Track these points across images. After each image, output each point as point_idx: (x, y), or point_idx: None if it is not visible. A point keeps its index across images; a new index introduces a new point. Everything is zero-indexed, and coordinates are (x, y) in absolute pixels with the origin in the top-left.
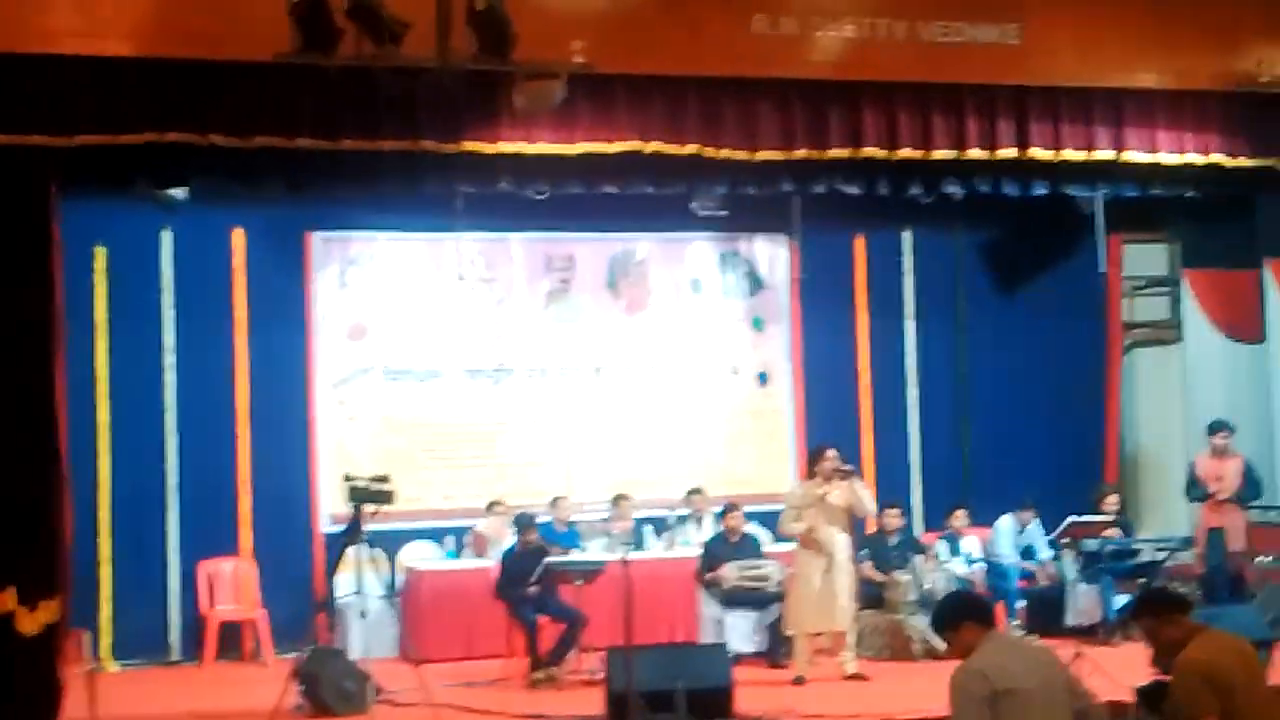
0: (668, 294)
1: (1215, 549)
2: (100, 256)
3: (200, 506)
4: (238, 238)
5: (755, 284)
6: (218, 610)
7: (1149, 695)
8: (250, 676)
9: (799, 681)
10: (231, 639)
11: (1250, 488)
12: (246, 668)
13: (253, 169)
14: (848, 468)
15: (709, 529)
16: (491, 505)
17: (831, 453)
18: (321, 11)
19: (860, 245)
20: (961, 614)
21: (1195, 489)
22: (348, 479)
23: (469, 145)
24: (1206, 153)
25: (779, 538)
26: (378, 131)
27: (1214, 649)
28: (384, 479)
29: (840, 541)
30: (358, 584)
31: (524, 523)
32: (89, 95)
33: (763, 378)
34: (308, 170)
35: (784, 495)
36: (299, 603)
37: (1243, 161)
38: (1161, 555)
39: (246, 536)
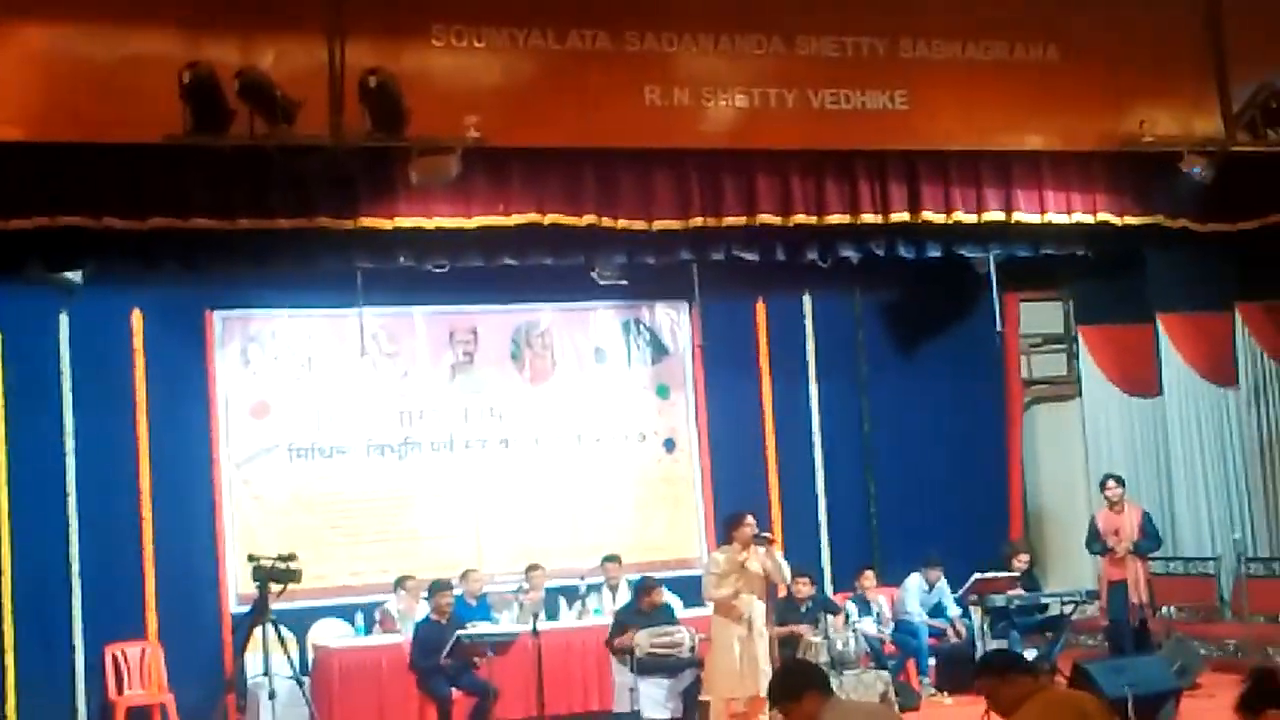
0: (572, 363)
1: (1117, 602)
2: None
3: (105, 590)
4: (136, 319)
5: (659, 351)
6: (126, 695)
7: None
8: None
9: None
10: None
11: (1149, 540)
12: None
13: (148, 250)
14: (765, 535)
15: (624, 597)
16: (400, 581)
17: (750, 519)
18: (213, 93)
19: (761, 310)
20: (803, 683)
21: (1096, 543)
22: (252, 558)
23: (366, 221)
24: (1094, 212)
25: (690, 603)
26: (273, 210)
27: (1047, 710)
28: (290, 557)
29: (758, 608)
30: (265, 664)
31: (438, 588)
32: None
33: (669, 444)
34: (204, 250)
35: (696, 561)
36: (209, 685)
37: (1130, 220)
38: (1068, 608)
39: (153, 619)
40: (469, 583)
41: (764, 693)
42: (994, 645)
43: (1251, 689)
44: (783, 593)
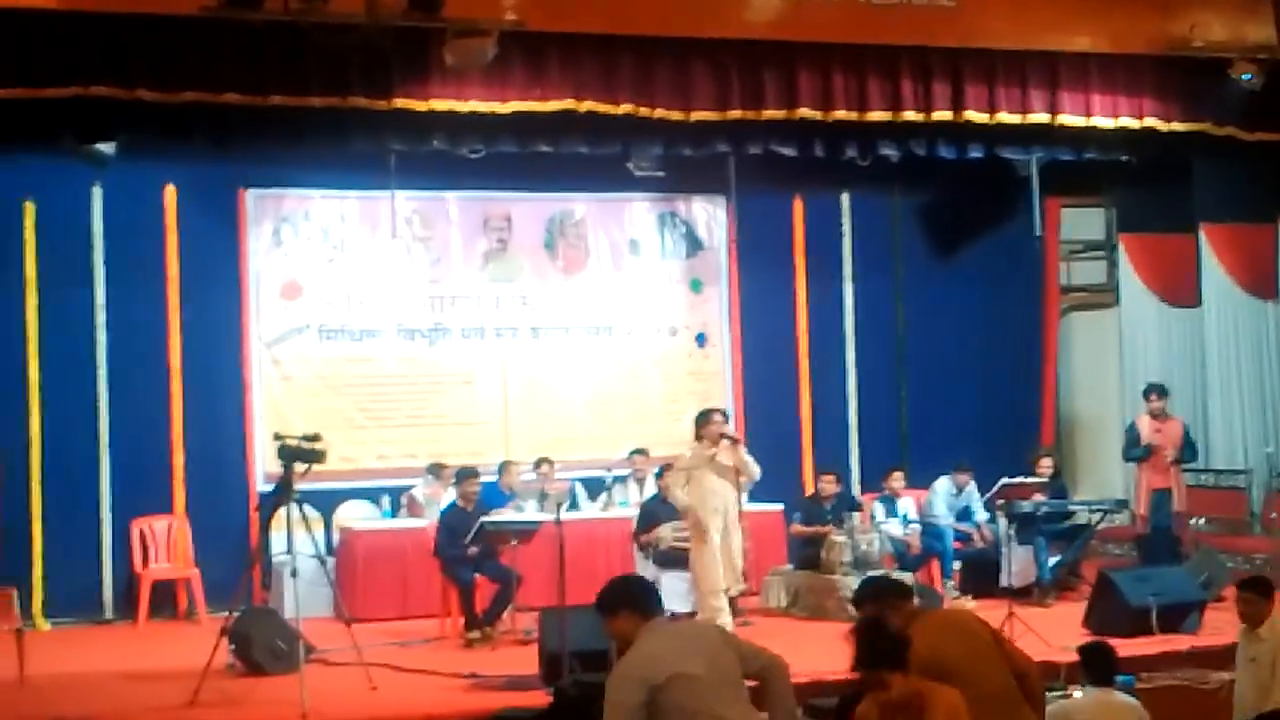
0: (605, 254)
1: (1160, 510)
2: (30, 212)
3: (133, 465)
4: (170, 194)
5: (694, 245)
6: (151, 569)
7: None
8: (184, 635)
9: None
10: (165, 598)
11: (1188, 450)
12: (180, 626)
13: (180, 124)
14: (733, 435)
15: (650, 490)
16: (434, 467)
17: (717, 416)
18: None
19: (798, 207)
20: (619, 602)
21: (1135, 449)
22: (278, 437)
23: (400, 102)
24: (1140, 117)
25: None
26: (306, 88)
27: (931, 635)
28: (315, 438)
29: (732, 499)
30: (289, 543)
31: (465, 475)
32: (12, 48)
33: (701, 339)
34: (236, 126)
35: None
36: (234, 562)
37: (1176, 126)
38: (1095, 517)
39: (180, 495)
40: (507, 475)
41: (735, 585)
42: (1019, 552)
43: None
44: (751, 479)
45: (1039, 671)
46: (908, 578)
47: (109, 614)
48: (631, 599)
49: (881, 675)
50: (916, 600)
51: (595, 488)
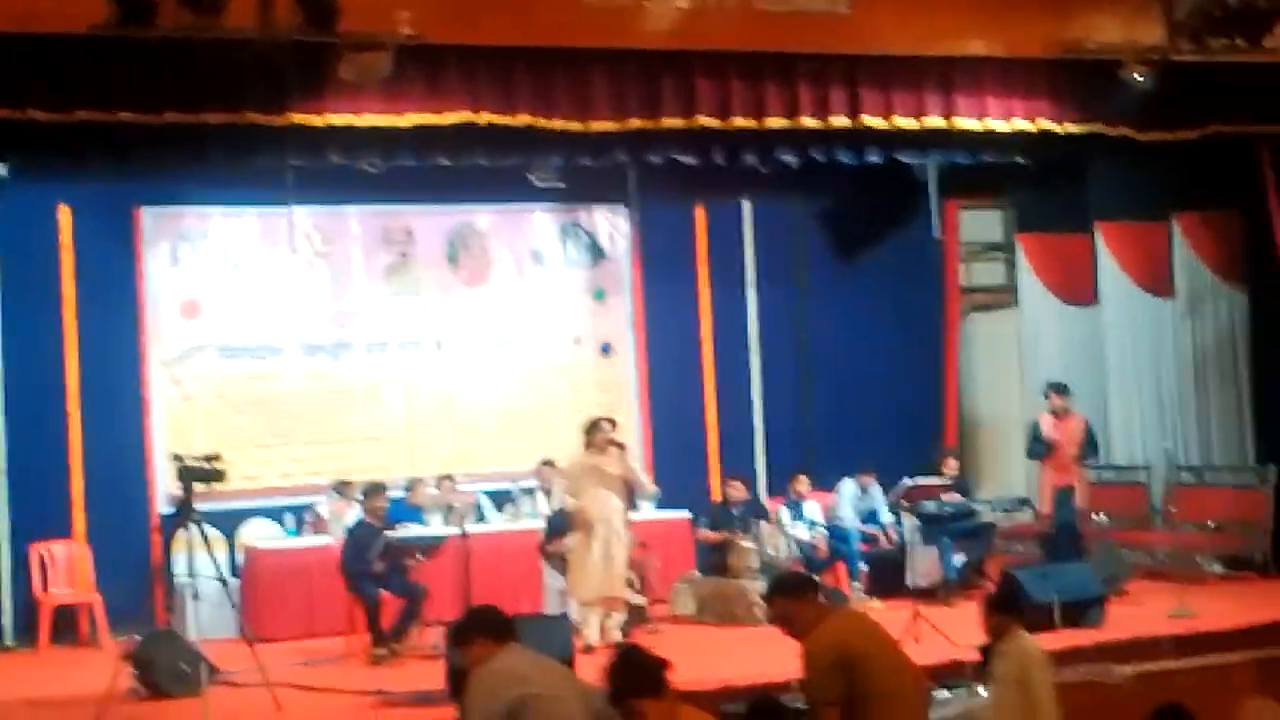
0: (508, 266)
1: (1064, 507)
2: None
3: (31, 488)
4: (64, 214)
5: (596, 254)
6: (51, 594)
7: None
8: (86, 660)
9: (588, 650)
10: (67, 623)
11: (1090, 448)
12: (82, 652)
13: (74, 144)
14: (619, 441)
15: (557, 501)
16: (337, 485)
17: (606, 424)
18: None
19: (700, 215)
20: (472, 629)
21: (1038, 446)
22: (176, 458)
23: (296, 118)
24: (1035, 119)
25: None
26: (201, 104)
27: (845, 630)
28: (214, 457)
29: (615, 507)
30: (189, 565)
31: (373, 490)
32: None
33: (605, 348)
34: (131, 144)
35: (563, 469)
36: (136, 585)
37: (1071, 127)
38: (998, 515)
39: (80, 518)
40: (415, 492)
41: (619, 593)
42: (924, 552)
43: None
44: (647, 496)
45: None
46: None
47: (9, 640)
48: (484, 625)
49: (637, 704)
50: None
51: (502, 500)
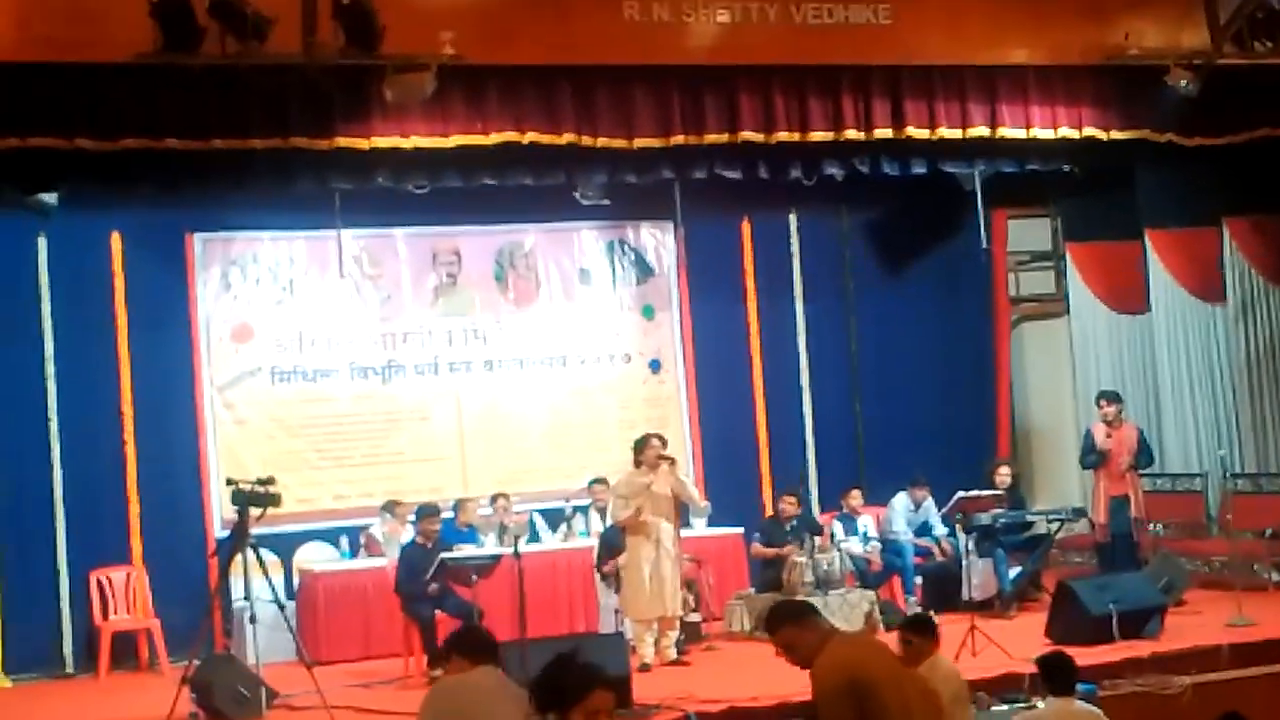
0: (556, 284)
1: (1119, 517)
2: None
3: (89, 516)
4: (116, 241)
5: (644, 271)
6: (111, 621)
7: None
8: (146, 686)
9: (644, 669)
10: (126, 649)
11: (1144, 456)
12: (142, 677)
13: (123, 172)
14: (669, 455)
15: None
16: (389, 505)
17: (655, 441)
18: (183, 10)
19: (746, 229)
20: (451, 649)
21: (1092, 455)
22: (230, 482)
23: (342, 141)
24: (1080, 126)
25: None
26: (247, 130)
27: (851, 651)
28: (269, 481)
29: (666, 530)
30: (246, 589)
31: (426, 513)
32: None
33: (655, 365)
34: (179, 171)
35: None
36: (194, 609)
37: (1116, 134)
38: (1053, 526)
39: (137, 544)
40: (464, 512)
41: (672, 612)
42: (979, 565)
43: None
44: (699, 511)
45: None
46: (870, 595)
47: (70, 668)
48: (462, 645)
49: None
50: (880, 616)
51: (555, 518)
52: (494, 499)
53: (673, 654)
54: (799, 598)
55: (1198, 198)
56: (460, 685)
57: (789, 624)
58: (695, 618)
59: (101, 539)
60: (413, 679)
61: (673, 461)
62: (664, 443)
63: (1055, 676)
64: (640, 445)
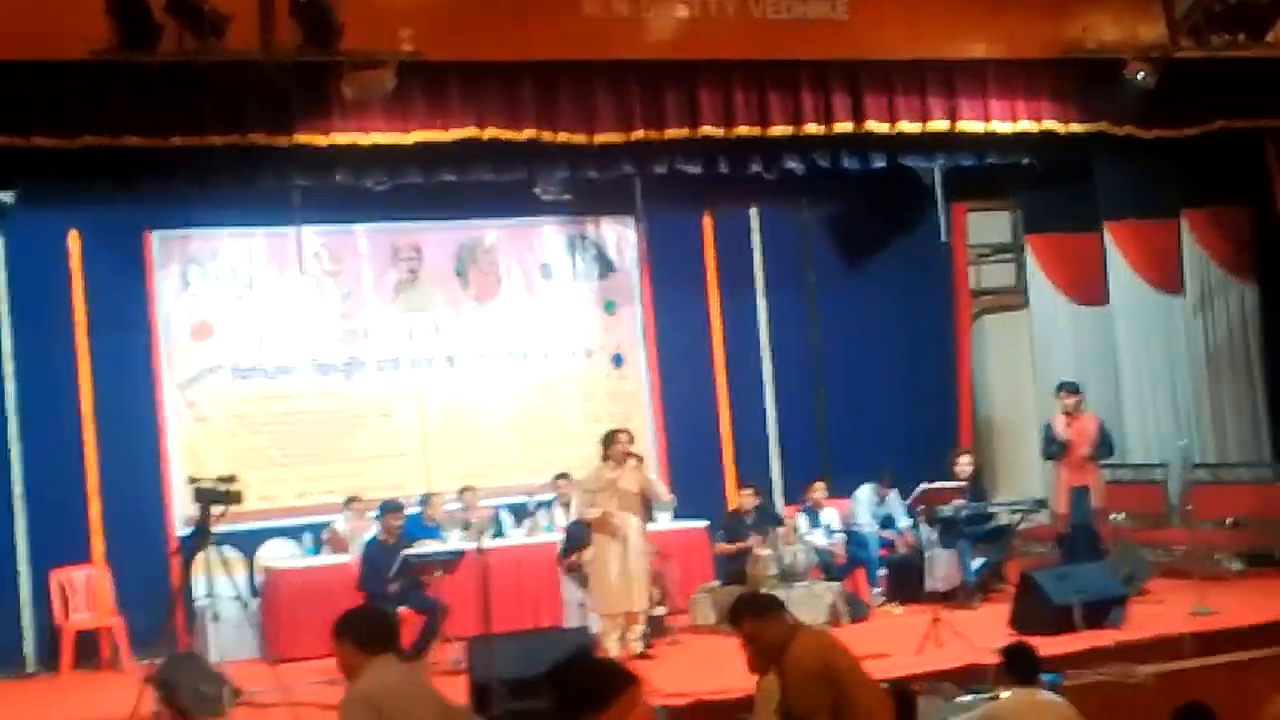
0: (517, 280)
1: (1079, 507)
2: None
3: (49, 515)
4: (74, 240)
5: (605, 267)
6: (73, 619)
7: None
8: (109, 685)
9: None
10: (88, 648)
11: (1104, 447)
12: (105, 676)
13: (80, 169)
14: (635, 453)
15: (574, 513)
16: (349, 501)
17: (623, 436)
18: (140, 7)
19: (708, 224)
20: (343, 630)
21: (1053, 446)
22: (192, 480)
23: (301, 138)
24: (1039, 119)
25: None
26: (206, 127)
27: (821, 646)
28: (230, 479)
29: (633, 525)
30: (208, 587)
31: (388, 508)
32: None
33: (617, 360)
34: (137, 168)
35: (581, 481)
36: (157, 608)
37: (1075, 127)
38: (1015, 517)
39: (99, 543)
40: (430, 507)
41: (640, 608)
42: (943, 556)
43: None
44: (664, 505)
45: None
46: (835, 587)
47: (31, 667)
48: (358, 630)
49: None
50: (845, 608)
51: (520, 513)
52: (462, 492)
53: (638, 648)
54: (763, 591)
55: (1156, 190)
56: (378, 686)
57: (752, 617)
58: (660, 611)
59: (62, 538)
60: None
61: (640, 459)
62: (631, 438)
63: (1019, 666)
64: (608, 440)
